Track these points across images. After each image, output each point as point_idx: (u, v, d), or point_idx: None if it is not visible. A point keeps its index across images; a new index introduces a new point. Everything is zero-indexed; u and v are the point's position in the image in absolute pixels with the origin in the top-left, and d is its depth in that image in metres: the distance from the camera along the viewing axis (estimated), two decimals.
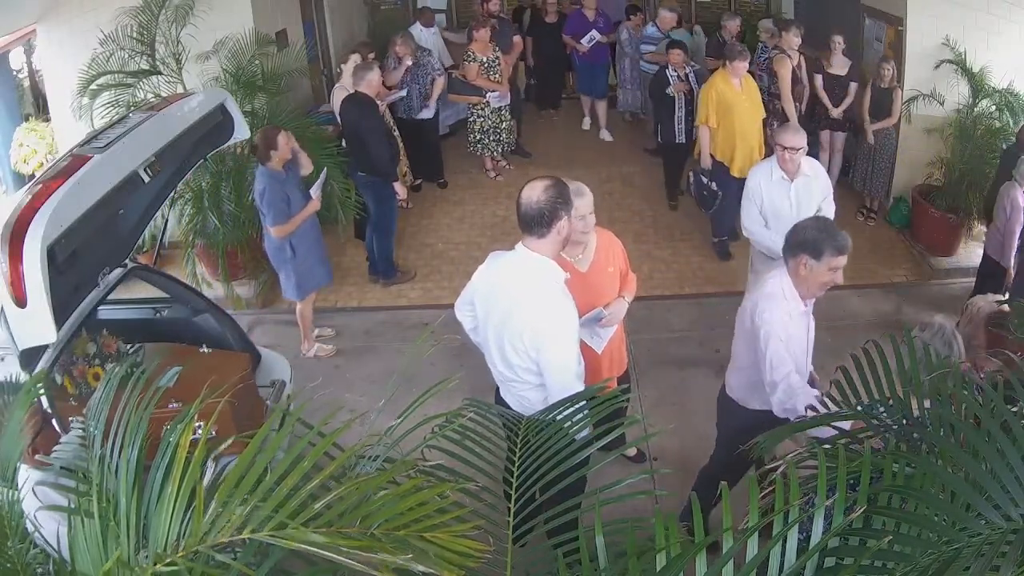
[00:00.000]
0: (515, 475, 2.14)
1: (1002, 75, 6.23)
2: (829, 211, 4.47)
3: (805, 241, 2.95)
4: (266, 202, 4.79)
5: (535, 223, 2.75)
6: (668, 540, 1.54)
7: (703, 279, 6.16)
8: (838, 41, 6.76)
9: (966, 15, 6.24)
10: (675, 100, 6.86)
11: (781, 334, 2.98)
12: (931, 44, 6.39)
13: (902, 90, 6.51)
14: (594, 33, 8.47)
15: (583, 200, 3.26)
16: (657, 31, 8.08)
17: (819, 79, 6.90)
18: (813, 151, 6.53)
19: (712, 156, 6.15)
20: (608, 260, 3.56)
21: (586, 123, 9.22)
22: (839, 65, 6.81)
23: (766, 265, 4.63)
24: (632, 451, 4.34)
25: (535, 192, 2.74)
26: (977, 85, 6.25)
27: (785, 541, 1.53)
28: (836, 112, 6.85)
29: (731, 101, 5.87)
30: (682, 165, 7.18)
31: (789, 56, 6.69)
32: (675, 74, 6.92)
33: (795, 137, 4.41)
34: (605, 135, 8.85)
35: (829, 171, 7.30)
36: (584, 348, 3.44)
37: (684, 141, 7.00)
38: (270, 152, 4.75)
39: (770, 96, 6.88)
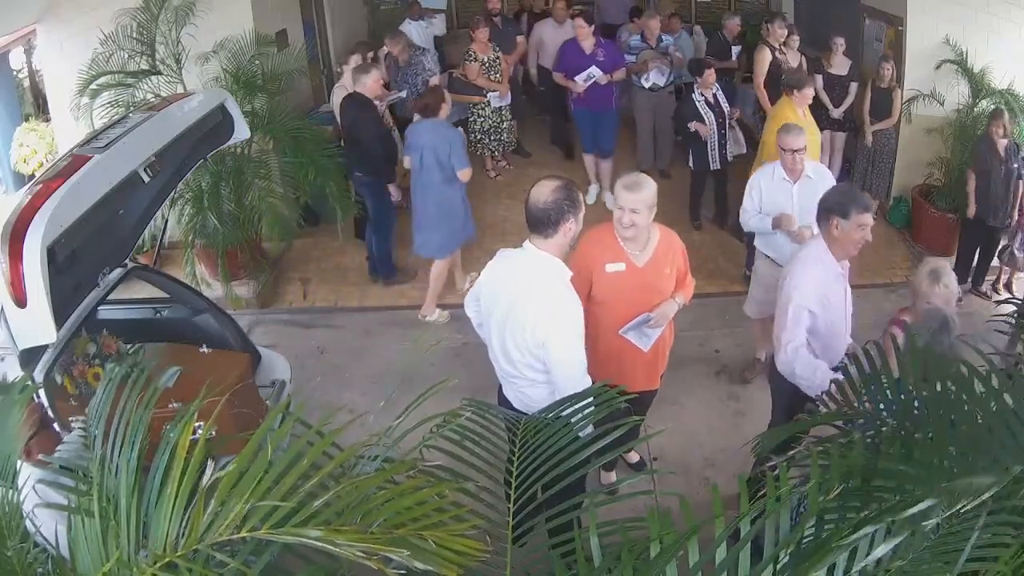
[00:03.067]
0: (514, 475, 2.14)
1: (1002, 75, 6.23)
2: None
3: (832, 205, 3.32)
4: (461, 146, 5.38)
5: (541, 224, 2.78)
6: (662, 534, 1.55)
7: (703, 279, 6.15)
8: (839, 42, 6.76)
9: (966, 15, 6.24)
10: (705, 124, 6.33)
11: (804, 302, 3.28)
12: (931, 44, 6.39)
13: (902, 90, 6.51)
14: (593, 70, 6.67)
15: (634, 195, 3.18)
16: (640, 40, 7.40)
17: (819, 79, 6.90)
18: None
19: None
20: (666, 260, 3.47)
21: (592, 192, 7.31)
22: (839, 65, 6.82)
23: (770, 270, 4.63)
24: (634, 457, 4.33)
25: (543, 193, 2.77)
26: (977, 85, 6.25)
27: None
28: (836, 112, 6.85)
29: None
30: (723, 191, 6.76)
31: (772, 47, 6.67)
32: (702, 98, 6.35)
33: (797, 138, 4.40)
34: (608, 199, 6.99)
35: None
36: (631, 349, 3.47)
37: (719, 167, 6.55)
38: (441, 104, 5.39)
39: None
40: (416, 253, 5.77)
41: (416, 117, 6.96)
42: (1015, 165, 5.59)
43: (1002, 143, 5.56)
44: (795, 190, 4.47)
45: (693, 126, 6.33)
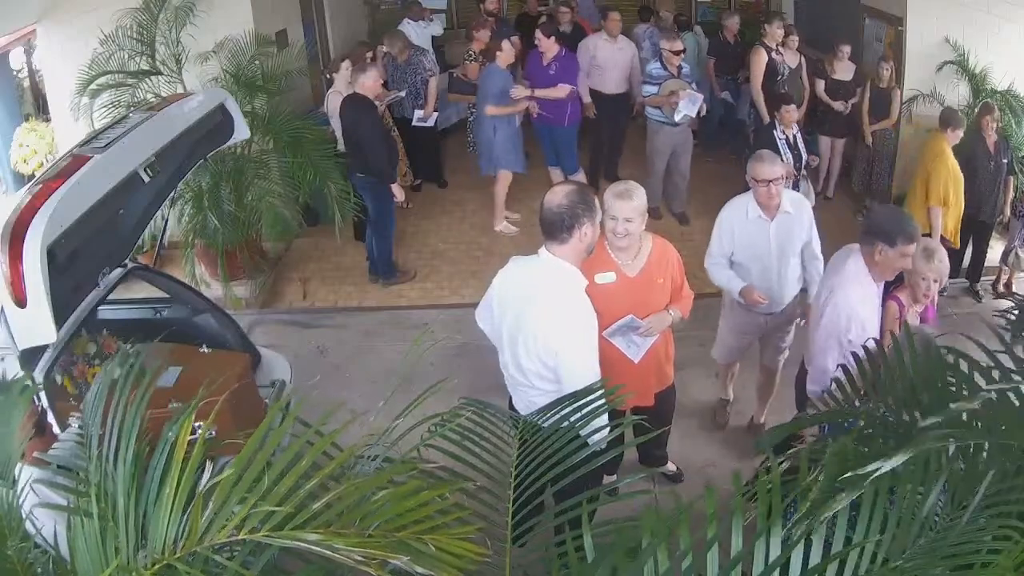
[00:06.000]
0: (513, 475, 2.14)
1: (1002, 76, 6.23)
2: (816, 248, 4.02)
3: (881, 231, 3.21)
4: (494, 86, 6.33)
5: (556, 229, 2.73)
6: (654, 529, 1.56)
7: (703, 279, 6.12)
8: (845, 51, 6.70)
9: (966, 15, 6.24)
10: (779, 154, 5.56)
11: (848, 337, 3.13)
12: (931, 44, 6.39)
13: (901, 90, 6.51)
14: (517, 89, 6.41)
15: (627, 204, 3.15)
16: (661, 68, 6.54)
17: (821, 84, 6.84)
18: (812, 150, 6.40)
19: None
20: (659, 271, 3.39)
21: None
22: (843, 71, 6.76)
23: (744, 316, 4.21)
24: (671, 468, 4.27)
25: (557, 197, 2.73)
26: (978, 86, 6.25)
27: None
28: (844, 107, 6.74)
29: (958, 175, 5.16)
30: None
31: (768, 48, 6.60)
32: (783, 136, 5.62)
33: (771, 167, 3.79)
34: None
35: (828, 173, 7.27)
36: (621, 358, 3.38)
37: None
38: (496, 51, 6.37)
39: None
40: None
41: (417, 115, 7.10)
42: (1004, 160, 5.59)
43: (991, 138, 5.56)
44: (772, 229, 3.90)
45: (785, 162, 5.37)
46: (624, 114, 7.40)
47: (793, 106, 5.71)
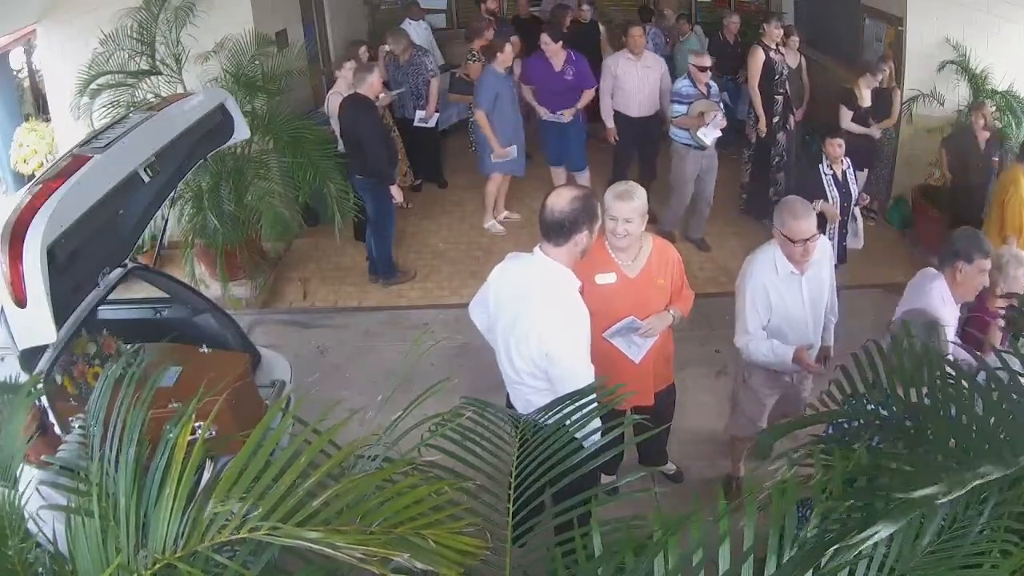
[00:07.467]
0: (513, 475, 2.14)
1: (1002, 76, 6.23)
2: (835, 305, 3.75)
3: (958, 250, 3.33)
4: (481, 87, 6.35)
5: (553, 232, 2.76)
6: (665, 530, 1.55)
7: (703, 279, 6.15)
8: (880, 76, 6.30)
9: (966, 15, 6.24)
10: (825, 197, 5.10)
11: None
12: (931, 44, 6.39)
13: (901, 91, 6.50)
14: (560, 116, 6.47)
15: (627, 204, 3.16)
16: (691, 86, 6.02)
17: (848, 115, 6.29)
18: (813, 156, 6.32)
19: None
20: (659, 271, 3.40)
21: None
22: (867, 98, 6.39)
23: (768, 381, 3.75)
24: (671, 468, 4.29)
25: (560, 202, 2.75)
26: (978, 86, 6.25)
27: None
28: (878, 132, 6.42)
29: None
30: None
31: (767, 48, 6.51)
32: (830, 172, 5.15)
33: (807, 223, 3.31)
34: None
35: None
36: (621, 359, 3.40)
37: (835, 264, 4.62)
38: (496, 52, 6.29)
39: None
40: None
41: (418, 116, 7.11)
42: (994, 158, 5.56)
43: (983, 135, 5.53)
44: (804, 283, 3.48)
45: (819, 206, 4.84)
46: (654, 141, 6.86)
47: (840, 140, 5.20)
